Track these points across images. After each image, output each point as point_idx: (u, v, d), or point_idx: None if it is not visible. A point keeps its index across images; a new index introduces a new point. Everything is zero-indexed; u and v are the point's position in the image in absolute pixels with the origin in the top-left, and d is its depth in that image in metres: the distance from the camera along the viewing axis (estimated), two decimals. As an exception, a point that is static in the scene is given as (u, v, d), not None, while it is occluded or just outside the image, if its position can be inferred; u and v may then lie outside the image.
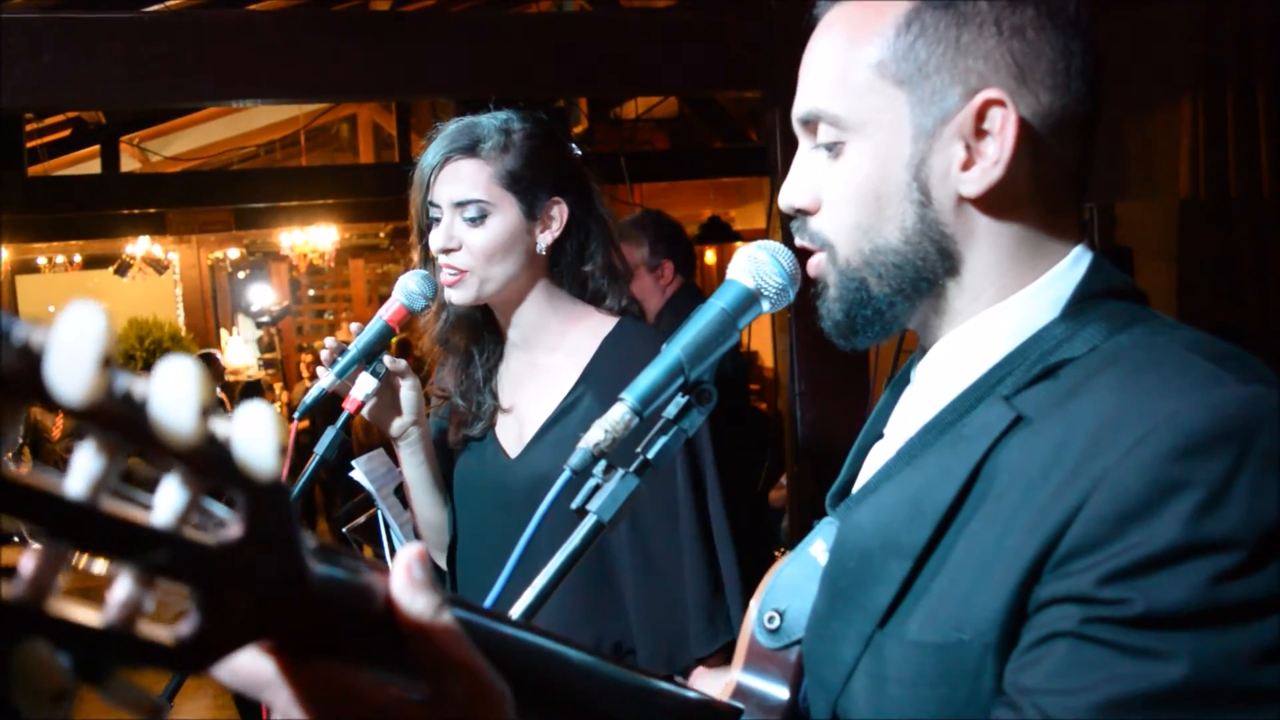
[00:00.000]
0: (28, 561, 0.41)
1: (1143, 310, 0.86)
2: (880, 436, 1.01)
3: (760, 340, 7.86)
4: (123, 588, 0.43)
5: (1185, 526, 0.68)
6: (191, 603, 0.44)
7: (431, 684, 0.56)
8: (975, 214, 0.87)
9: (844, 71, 0.88)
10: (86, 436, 0.42)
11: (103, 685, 0.43)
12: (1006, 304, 0.88)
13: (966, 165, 0.86)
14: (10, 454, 0.40)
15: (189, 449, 0.43)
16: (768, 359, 8.04)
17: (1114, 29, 4.30)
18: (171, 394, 0.43)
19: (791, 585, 0.95)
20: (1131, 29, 4.33)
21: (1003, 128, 0.84)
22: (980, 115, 0.85)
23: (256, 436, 0.45)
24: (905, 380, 1.01)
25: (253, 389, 9.05)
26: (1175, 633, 0.68)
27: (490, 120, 1.72)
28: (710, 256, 10.01)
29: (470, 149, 1.68)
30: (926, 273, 0.88)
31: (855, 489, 0.98)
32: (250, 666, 0.53)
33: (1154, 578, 0.68)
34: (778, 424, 4.53)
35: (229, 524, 0.45)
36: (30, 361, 0.40)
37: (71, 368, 0.40)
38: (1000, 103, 0.84)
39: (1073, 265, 0.88)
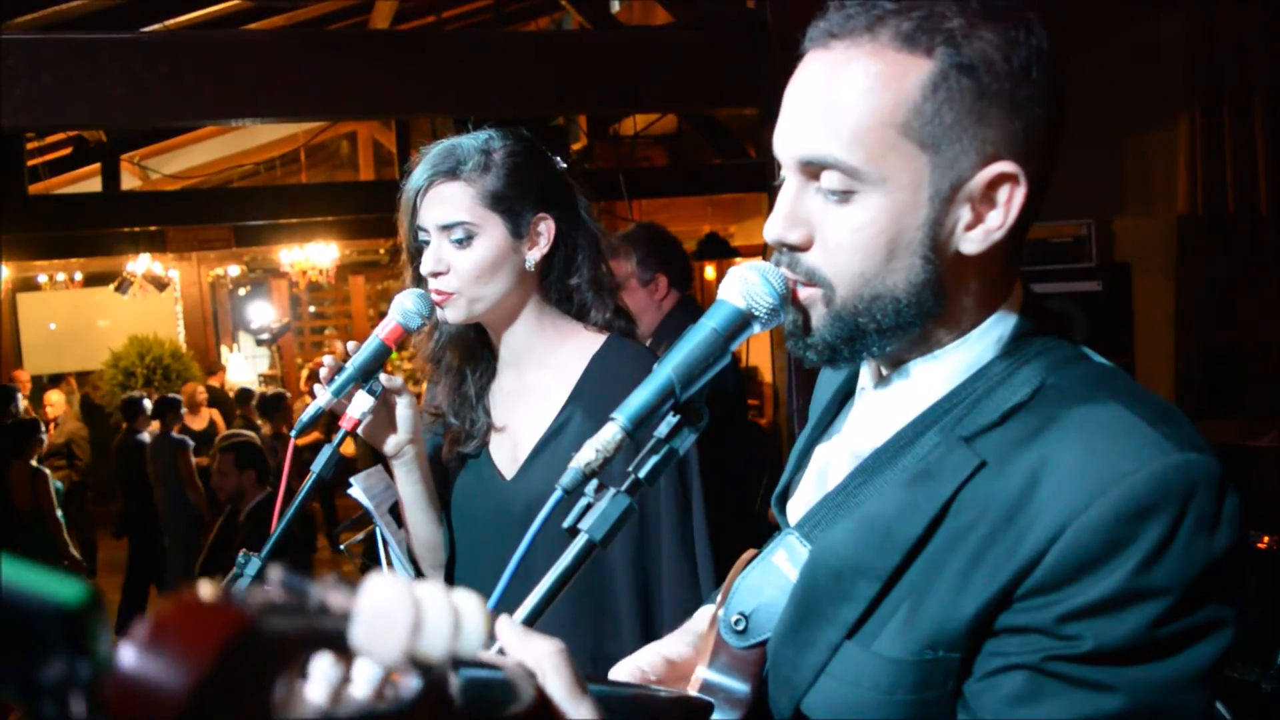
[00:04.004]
0: None
1: (1071, 350, 0.95)
2: (822, 437, 1.11)
3: (759, 355, 7.86)
4: None
5: (1130, 578, 0.79)
6: None
7: None
8: (967, 265, 0.93)
9: (865, 125, 0.88)
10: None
11: None
12: (963, 341, 0.96)
13: (970, 226, 0.91)
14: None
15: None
16: (767, 374, 8.05)
17: (1112, 47, 4.33)
18: (439, 635, 0.50)
19: (755, 590, 1.02)
20: (1129, 47, 4.35)
21: (1010, 198, 0.89)
22: (992, 184, 0.89)
23: (470, 630, 0.52)
24: (849, 391, 1.09)
25: (274, 401, 9.00)
26: (1117, 668, 0.80)
27: (471, 141, 1.72)
28: (710, 272, 10.03)
29: (452, 172, 1.69)
30: (920, 316, 0.93)
31: (801, 489, 1.11)
32: None
33: (1102, 620, 0.80)
34: (776, 438, 4.54)
35: (403, 682, 0.51)
36: (333, 621, 0.46)
37: (388, 639, 0.47)
38: (1014, 178, 0.88)
39: (1010, 305, 0.96)
